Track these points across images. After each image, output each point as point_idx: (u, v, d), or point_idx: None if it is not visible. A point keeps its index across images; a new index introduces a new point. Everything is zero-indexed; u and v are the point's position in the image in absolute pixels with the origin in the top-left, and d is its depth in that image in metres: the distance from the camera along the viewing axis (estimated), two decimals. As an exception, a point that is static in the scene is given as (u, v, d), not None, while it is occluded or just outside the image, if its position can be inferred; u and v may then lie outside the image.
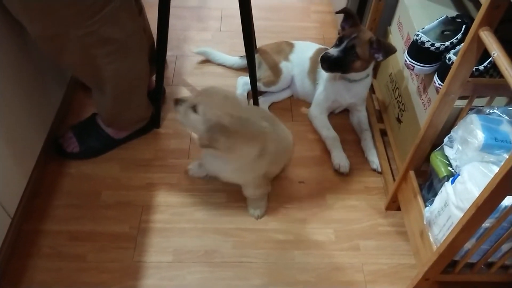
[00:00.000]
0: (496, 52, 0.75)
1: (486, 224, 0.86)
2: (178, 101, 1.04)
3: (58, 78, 1.39)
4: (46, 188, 1.26)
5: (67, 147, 1.32)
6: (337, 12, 1.31)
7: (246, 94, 1.53)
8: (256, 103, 1.47)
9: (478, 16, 0.79)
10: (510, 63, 0.72)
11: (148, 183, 1.29)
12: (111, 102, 1.21)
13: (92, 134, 1.33)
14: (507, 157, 0.70)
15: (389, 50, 1.23)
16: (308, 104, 1.52)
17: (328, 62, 1.27)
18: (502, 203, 0.79)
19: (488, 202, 0.78)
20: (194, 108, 1.00)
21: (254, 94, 1.45)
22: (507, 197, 0.78)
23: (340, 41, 1.27)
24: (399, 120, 1.33)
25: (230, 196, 1.27)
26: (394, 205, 1.24)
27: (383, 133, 1.43)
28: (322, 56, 1.28)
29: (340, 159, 1.36)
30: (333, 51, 1.26)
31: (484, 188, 0.77)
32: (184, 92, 1.57)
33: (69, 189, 1.26)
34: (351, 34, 1.25)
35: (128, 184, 1.28)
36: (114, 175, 1.30)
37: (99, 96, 1.23)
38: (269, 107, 1.53)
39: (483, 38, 0.78)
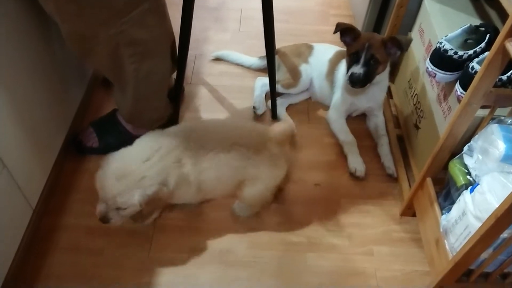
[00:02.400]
0: (522, 64, 0.74)
1: (504, 234, 0.85)
2: (105, 218, 1.02)
3: (79, 76, 1.41)
4: (64, 184, 1.28)
5: (87, 142, 1.35)
6: (334, 32, 1.29)
7: (264, 95, 1.54)
8: (274, 104, 1.48)
9: (505, 28, 0.79)
10: (536, 76, 0.72)
11: (165, 180, 1.30)
12: (133, 101, 1.23)
13: (111, 130, 1.35)
14: (530, 169, 0.70)
15: (407, 42, 1.24)
16: (326, 107, 1.53)
17: (358, 82, 1.27)
18: (522, 215, 0.79)
19: (507, 214, 0.78)
20: (118, 208, 1.00)
21: (273, 95, 1.46)
22: (527, 209, 0.77)
23: (356, 56, 1.27)
24: (417, 127, 1.33)
25: (245, 196, 1.28)
26: (409, 211, 1.24)
27: (400, 139, 1.43)
28: (350, 79, 1.27)
29: (356, 163, 1.36)
30: (357, 70, 1.26)
31: (505, 200, 0.77)
32: (203, 92, 1.58)
33: (87, 185, 1.28)
34: (364, 45, 1.25)
35: (146, 181, 1.30)
36: (132, 171, 1.32)
37: (121, 95, 1.25)
38: (286, 109, 1.53)
39: (509, 49, 0.78)
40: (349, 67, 1.29)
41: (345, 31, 1.29)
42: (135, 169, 0.99)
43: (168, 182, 1.01)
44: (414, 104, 1.36)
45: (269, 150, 1.10)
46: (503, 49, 0.81)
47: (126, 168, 0.99)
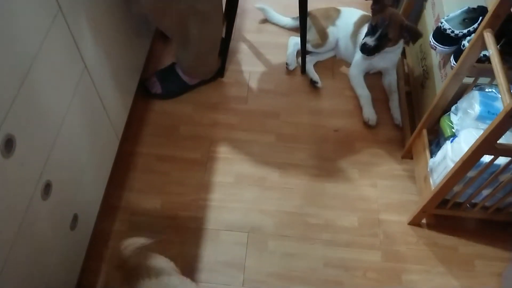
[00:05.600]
0: (492, 51, 1.02)
1: (471, 174, 1.17)
2: None
3: (146, 32, 1.70)
4: (137, 120, 1.62)
5: (152, 89, 1.67)
6: None
7: (295, 53, 1.81)
8: (304, 61, 1.76)
9: (484, 20, 1.05)
10: (500, 61, 0.99)
11: (214, 122, 1.64)
12: (193, 58, 1.54)
13: (171, 80, 1.67)
14: (486, 128, 1.00)
15: (416, 36, 1.50)
16: (348, 64, 1.80)
17: (367, 51, 1.54)
18: (482, 159, 1.10)
19: (471, 158, 1.09)
20: None
21: (303, 53, 1.74)
22: (485, 155, 1.08)
23: (373, 29, 1.52)
24: (422, 86, 1.60)
25: (279, 136, 1.61)
26: (408, 155, 1.56)
27: (409, 95, 1.71)
28: (361, 46, 1.54)
29: (369, 113, 1.66)
30: (370, 41, 1.52)
31: (469, 148, 1.08)
32: (243, 47, 1.87)
33: (154, 122, 1.63)
34: (384, 21, 1.49)
35: (200, 121, 1.64)
36: (188, 113, 1.66)
37: (182, 52, 1.56)
38: (314, 65, 1.81)
39: (485, 37, 1.05)
40: (366, 34, 1.55)
41: (376, 0, 1.54)
42: None
43: None
44: (422, 67, 1.62)
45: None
46: (482, 36, 1.07)
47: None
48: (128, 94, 1.50)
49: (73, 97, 1.05)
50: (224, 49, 1.72)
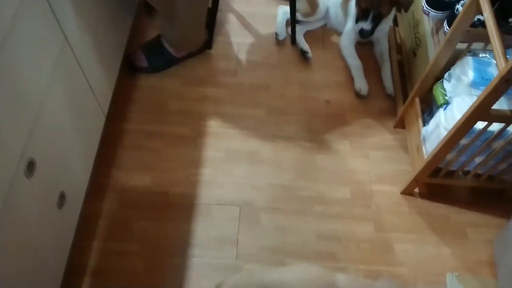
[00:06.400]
0: (487, 14, 0.98)
1: (464, 141, 1.15)
2: None
3: (130, 3, 1.63)
4: (123, 96, 1.58)
5: (137, 62, 1.62)
6: None
7: (285, 22, 1.76)
8: (293, 31, 1.72)
9: (479, -18, 1.01)
10: (495, 24, 0.96)
11: (203, 95, 1.60)
12: (178, 30, 1.48)
13: (157, 53, 1.61)
14: (480, 94, 0.98)
15: (408, 4, 1.48)
16: (339, 34, 1.76)
17: (367, 35, 1.55)
18: (475, 126, 1.08)
19: (464, 126, 1.07)
20: None
21: (293, 23, 1.69)
22: (479, 122, 1.06)
23: (365, 13, 1.51)
24: (414, 54, 1.57)
25: (269, 109, 1.58)
26: (401, 124, 1.54)
27: (401, 64, 1.68)
28: (360, 33, 1.55)
29: (361, 84, 1.63)
30: (366, 26, 1.52)
31: (463, 115, 1.06)
32: (231, 18, 1.81)
33: (141, 98, 1.58)
34: (373, 3, 1.47)
35: (188, 95, 1.60)
36: (176, 88, 1.61)
37: (167, 24, 1.50)
38: (304, 35, 1.77)
39: (480, 0, 1.01)
40: (358, 19, 1.54)
41: None
42: None
43: None
44: (414, 34, 1.59)
45: None
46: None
47: None
48: (113, 68, 1.45)
49: (54, 71, 1.01)
50: (211, 20, 1.67)
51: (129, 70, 1.62)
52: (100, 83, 1.32)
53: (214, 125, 1.54)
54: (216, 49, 1.73)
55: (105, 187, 1.39)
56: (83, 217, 1.25)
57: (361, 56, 1.69)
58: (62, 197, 1.08)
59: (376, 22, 1.53)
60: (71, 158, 1.15)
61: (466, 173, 1.31)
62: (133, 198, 1.38)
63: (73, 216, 1.19)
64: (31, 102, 0.93)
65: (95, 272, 1.26)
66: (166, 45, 1.61)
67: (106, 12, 1.34)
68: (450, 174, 1.33)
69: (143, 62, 1.62)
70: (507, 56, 0.93)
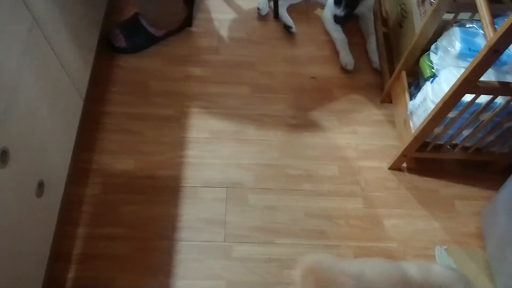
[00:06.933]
0: (474, -18, 0.95)
1: (451, 115, 1.14)
2: None
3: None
4: (103, 78, 1.52)
5: (115, 42, 1.56)
6: None
7: (267, -3, 1.71)
8: (276, 5, 1.66)
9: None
10: (482, -8, 0.93)
11: (186, 75, 1.55)
12: (157, 7, 1.42)
13: (136, 31, 1.55)
14: (468, 65, 0.96)
15: None
16: (323, 7, 1.71)
17: (342, 20, 1.56)
18: (463, 99, 1.06)
19: (452, 98, 1.05)
20: None
21: (275, -3, 1.64)
22: (467, 95, 1.04)
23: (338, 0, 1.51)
24: (400, 26, 1.54)
25: (254, 88, 1.54)
26: (387, 98, 1.52)
27: (386, 36, 1.64)
28: (335, 19, 1.56)
29: (346, 58, 1.60)
30: (339, 13, 1.54)
31: (450, 88, 1.03)
32: (212, -7, 1.75)
33: (122, 79, 1.53)
34: None
35: (170, 75, 1.55)
36: (158, 67, 1.56)
37: (146, 1, 1.44)
38: (287, 9, 1.71)
39: (467, -32, 0.98)
40: (335, 3, 1.55)
41: None
42: None
43: None
44: (400, 5, 1.55)
45: None
46: (463, -33, 1.00)
47: None
48: (88, 49, 1.40)
49: (24, 54, 0.96)
50: (191, -5, 1.61)
51: (107, 50, 1.56)
52: (75, 65, 1.26)
53: (198, 105, 1.50)
54: (197, 26, 1.67)
55: (88, 173, 1.36)
56: (65, 204, 1.22)
57: (346, 30, 1.65)
58: (41, 186, 1.04)
59: (350, 8, 1.52)
60: (48, 144, 1.10)
61: (454, 146, 1.30)
62: (117, 183, 1.35)
63: (54, 204, 1.16)
64: (0, 88, 0.88)
65: (81, 259, 1.23)
66: (145, 24, 1.55)
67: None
68: (438, 148, 1.31)
69: (121, 42, 1.56)
70: (495, 25, 0.91)
